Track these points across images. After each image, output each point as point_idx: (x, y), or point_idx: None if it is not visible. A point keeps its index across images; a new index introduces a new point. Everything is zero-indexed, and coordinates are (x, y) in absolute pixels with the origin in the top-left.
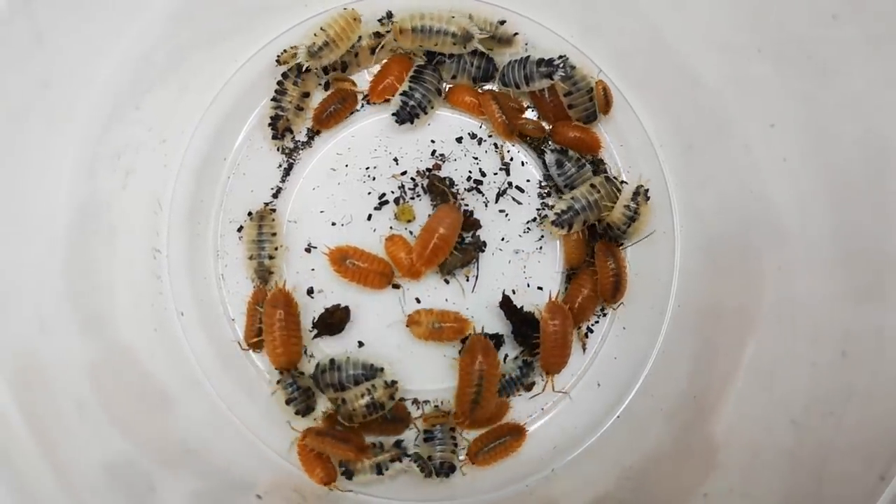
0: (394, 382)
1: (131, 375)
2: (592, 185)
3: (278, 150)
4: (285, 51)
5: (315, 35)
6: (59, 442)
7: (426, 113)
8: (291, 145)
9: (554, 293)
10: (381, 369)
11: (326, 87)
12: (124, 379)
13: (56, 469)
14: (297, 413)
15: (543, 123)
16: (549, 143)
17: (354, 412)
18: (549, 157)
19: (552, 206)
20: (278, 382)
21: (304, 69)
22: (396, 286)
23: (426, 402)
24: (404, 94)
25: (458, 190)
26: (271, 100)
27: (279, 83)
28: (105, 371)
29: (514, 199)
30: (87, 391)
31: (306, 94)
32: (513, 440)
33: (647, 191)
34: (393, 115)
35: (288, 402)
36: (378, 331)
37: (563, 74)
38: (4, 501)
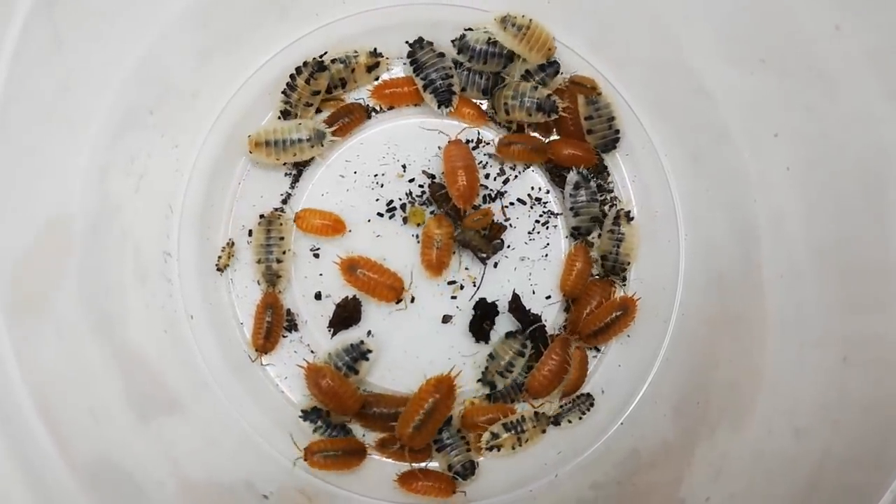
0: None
1: (141, 377)
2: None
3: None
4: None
5: None
6: (73, 441)
7: (452, 77)
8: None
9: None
10: (361, 342)
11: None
12: (134, 380)
13: (71, 467)
14: None
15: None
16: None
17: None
18: (571, 176)
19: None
20: (315, 431)
21: (319, 67)
22: (399, 300)
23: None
24: (426, 87)
25: None
26: (282, 92)
27: (291, 77)
28: (115, 372)
29: (503, 203)
30: (98, 391)
31: (316, 92)
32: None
33: (628, 213)
34: (438, 107)
35: None
36: (385, 334)
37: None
38: (23, 498)
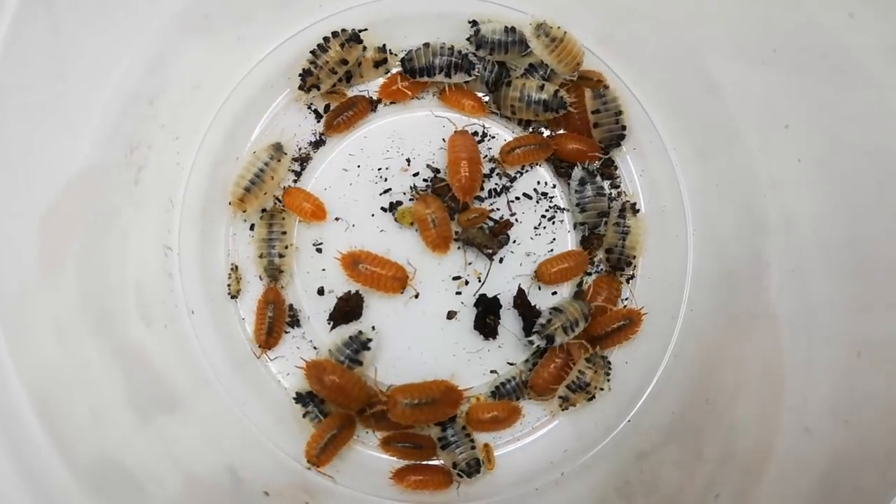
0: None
1: (141, 374)
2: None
3: (308, 106)
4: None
5: None
6: (73, 440)
7: (452, 46)
8: (320, 101)
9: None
10: (360, 332)
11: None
12: (134, 378)
13: (71, 467)
14: None
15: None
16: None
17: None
18: (576, 172)
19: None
20: (304, 416)
21: (355, 38)
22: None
23: None
24: (448, 73)
25: None
26: (310, 52)
27: (325, 39)
28: (115, 370)
29: (508, 197)
30: (98, 389)
31: (345, 62)
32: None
33: (633, 205)
34: (470, 75)
35: None
36: (389, 329)
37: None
38: (23, 498)
